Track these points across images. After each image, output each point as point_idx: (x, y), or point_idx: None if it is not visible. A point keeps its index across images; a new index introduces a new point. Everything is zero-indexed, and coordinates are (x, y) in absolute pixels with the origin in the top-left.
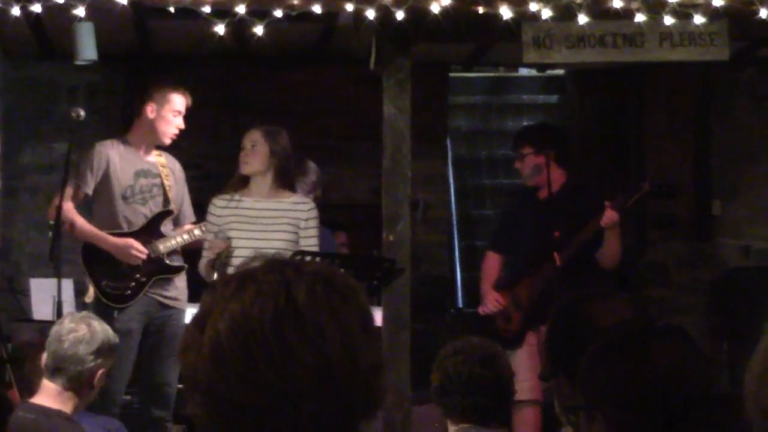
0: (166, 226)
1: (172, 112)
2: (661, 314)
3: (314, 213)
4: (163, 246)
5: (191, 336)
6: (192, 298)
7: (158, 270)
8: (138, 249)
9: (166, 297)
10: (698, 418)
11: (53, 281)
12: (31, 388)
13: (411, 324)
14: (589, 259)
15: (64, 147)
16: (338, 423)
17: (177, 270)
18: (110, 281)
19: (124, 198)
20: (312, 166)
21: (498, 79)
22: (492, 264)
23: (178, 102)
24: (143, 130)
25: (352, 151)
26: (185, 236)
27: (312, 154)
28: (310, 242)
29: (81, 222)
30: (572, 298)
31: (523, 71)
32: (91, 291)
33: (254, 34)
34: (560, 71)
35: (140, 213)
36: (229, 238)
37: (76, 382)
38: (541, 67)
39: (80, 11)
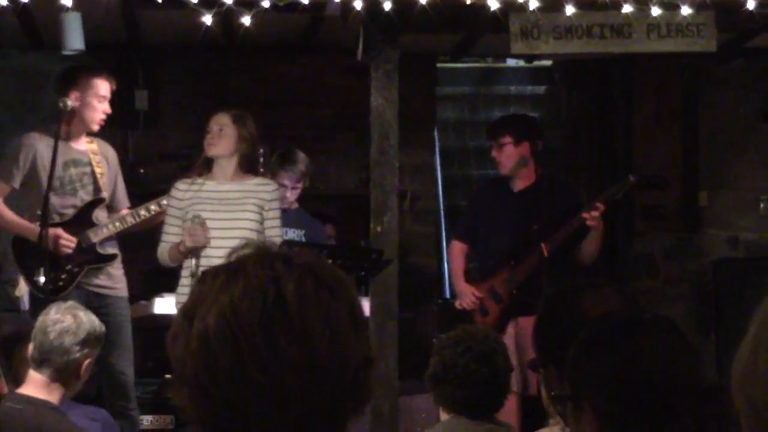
0: (99, 215)
1: (96, 98)
2: (648, 305)
3: (277, 194)
4: (94, 234)
5: (180, 327)
6: (158, 288)
7: (91, 259)
8: (66, 238)
9: (100, 286)
10: (686, 409)
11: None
12: (18, 379)
13: (398, 315)
14: (570, 252)
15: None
16: (326, 419)
17: (110, 258)
18: (41, 272)
19: (53, 189)
20: (301, 155)
21: (486, 69)
22: (458, 254)
23: (102, 87)
24: (69, 119)
25: (340, 142)
26: (117, 223)
27: (299, 144)
28: (274, 224)
29: (9, 215)
30: (561, 288)
31: (511, 62)
32: (21, 284)
33: (242, 25)
34: (548, 62)
35: (70, 204)
36: (204, 221)
37: (62, 373)
38: (529, 58)
39: (67, 1)
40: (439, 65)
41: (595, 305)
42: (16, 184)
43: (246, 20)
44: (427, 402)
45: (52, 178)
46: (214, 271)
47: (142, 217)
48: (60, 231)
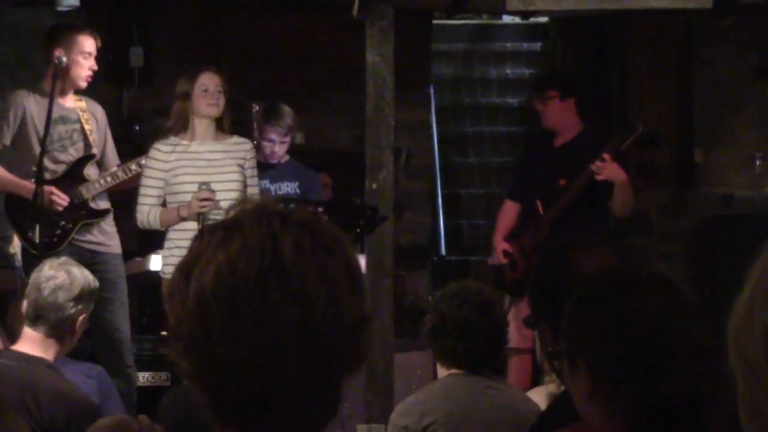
0: (90, 171)
1: (81, 54)
2: (642, 263)
3: (254, 152)
4: (86, 190)
5: (177, 284)
6: (153, 245)
7: (84, 215)
8: (58, 195)
9: (94, 243)
10: (680, 367)
11: (35, 227)
12: (13, 335)
13: (394, 272)
14: (598, 207)
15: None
16: (322, 377)
17: (103, 213)
18: (34, 228)
19: (43, 146)
20: (286, 108)
21: (481, 26)
22: (508, 212)
23: (87, 44)
24: (55, 76)
25: (335, 99)
26: (108, 178)
27: (294, 101)
28: (253, 182)
29: (1, 173)
30: (555, 246)
31: (507, 19)
32: (15, 241)
33: None
34: (543, 19)
35: (61, 160)
36: (213, 190)
37: (57, 330)
38: (525, 15)
39: None
40: (434, 22)
41: (588, 263)
42: (7, 141)
43: None
44: (421, 359)
45: (47, 135)
46: (211, 228)
47: (133, 172)
48: (52, 188)
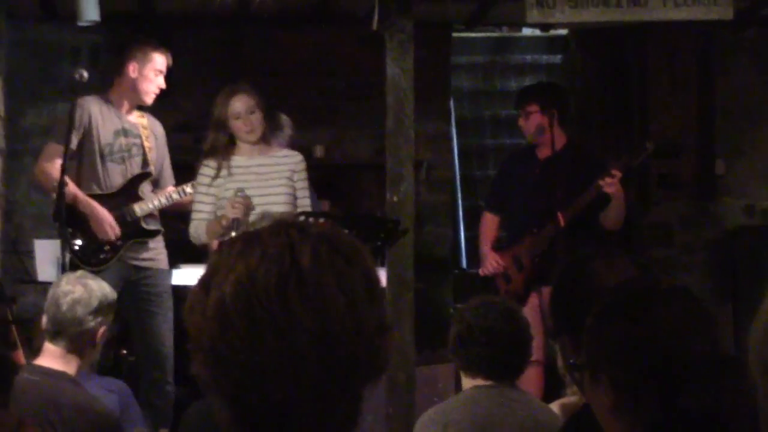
0: (144, 189)
1: (153, 71)
2: (664, 274)
3: (304, 164)
4: (139, 208)
5: (197, 296)
6: (176, 259)
7: (134, 233)
8: (112, 227)
9: (140, 259)
10: (702, 379)
11: (57, 242)
12: (36, 349)
13: (415, 285)
14: (591, 220)
15: (67, 109)
16: (341, 387)
17: (153, 234)
18: (85, 242)
19: (102, 156)
20: (286, 119)
21: (501, 39)
22: (489, 224)
23: (160, 61)
24: (124, 89)
25: (355, 112)
26: (163, 199)
27: (314, 114)
28: (304, 193)
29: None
30: (576, 258)
31: (526, 31)
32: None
33: None
34: (563, 31)
35: (117, 172)
36: (249, 196)
37: (77, 343)
38: (544, 27)
39: None
40: (454, 34)
41: (608, 274)
42: (73, 145)
43: None
44: (443, 372)
45: (100, 143)
46: (230, 241)
47: (188, 195)
48: (110, 218)
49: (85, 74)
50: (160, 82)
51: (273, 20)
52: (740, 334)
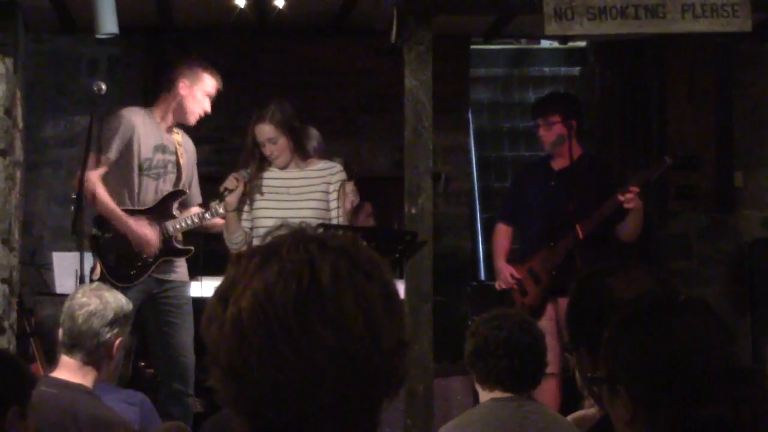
0: (175, 207)
1: (202, 92)
2: (682, 286)
3: (342, 175)
4: (172, 227)
5: (214, 310)
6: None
7: (166, 251)
8: (154, 248)
9: (163, 272)
10: (720, 392)
11: (75, 254)
12: (55, 361)
13: (433, 297)
14: (608, 232)
15: (85, 121)
16: (360, 402)
17: (184, 253)
18: (116, 259)
19: (140, 169)
20: (314, 132)
21: (519, 51)
22: (502, 235)
23: (210, 84)
24: (170, 105)
25: (373, 124)
26: (195, 219)
27: (332, 126)
28: (334, 204)
29: (103, 196)
30: (593, 270)
31: (545, 43)
32: (97, 268)
33: (275, 7)
34: (582, 43)
35: (151, 188)
36: (244, 178)
37: (94, 356)
38: (563, 39)
39: None
40: (472, 47)
41: (625, 287)
42: (112, 156)
43: (279, 2)
44: (461, 384)
45: (139, 157)
46: (249, 253)
47: (220, 214)
48: (154, 238)
49: (103, 86)
50: (207, 105)
51: (291, 32)
52: (758, 346)
